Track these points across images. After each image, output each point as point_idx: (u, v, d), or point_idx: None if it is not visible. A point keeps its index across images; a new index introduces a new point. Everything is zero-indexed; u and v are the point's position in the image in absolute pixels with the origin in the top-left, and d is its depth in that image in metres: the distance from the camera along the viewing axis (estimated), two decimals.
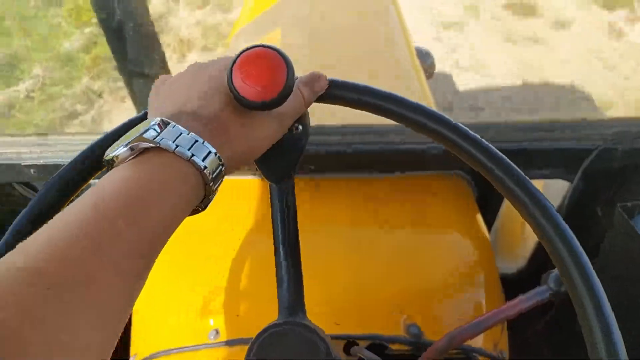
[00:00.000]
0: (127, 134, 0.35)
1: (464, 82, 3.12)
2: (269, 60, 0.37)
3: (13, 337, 0.22)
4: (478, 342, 0.69)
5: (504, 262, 1.06)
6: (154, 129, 0.34)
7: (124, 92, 3.54)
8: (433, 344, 0.60)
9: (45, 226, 0.29)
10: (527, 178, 0.39)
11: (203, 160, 0.34)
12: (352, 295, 0.71)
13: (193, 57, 3.71)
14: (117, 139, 0.36)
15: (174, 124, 0.35)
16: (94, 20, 4.60)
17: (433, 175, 0.84)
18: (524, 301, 0.59)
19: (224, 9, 4.80)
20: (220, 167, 0.36)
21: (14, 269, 0.25)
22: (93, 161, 0.43)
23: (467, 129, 0.41)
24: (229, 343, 0.66)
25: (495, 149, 0.40)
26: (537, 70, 3.06)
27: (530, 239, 1.00)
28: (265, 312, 0.50)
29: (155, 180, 0.33)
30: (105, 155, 0.35)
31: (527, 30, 3.59)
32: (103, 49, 3.96)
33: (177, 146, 0.33)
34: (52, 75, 3.72)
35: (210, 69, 0.41)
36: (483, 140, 0.41)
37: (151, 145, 0.33)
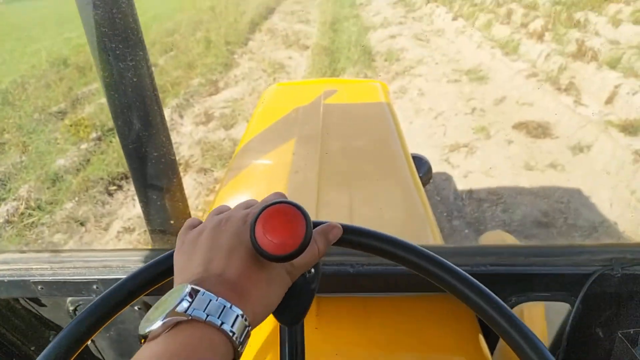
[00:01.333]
0: (161, 303, 0.37)
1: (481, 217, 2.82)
2: (289, 216, 0.39)
3: None
4: None
5: None
6: (187, 300, 0.36)
7: (108, 219, 3.27)
8: None
9: None
10: (507, 307, 0.45)
11: (232, 325, 0.36)
12: None
13: (188, 181, 3.49)
14: (144, 283, 0.48)
15: (204, 290, 0.37)
16: (92, 136, 4.50)
17: (435, 296, 0.82)
18: None
19: (227, 126, 4.72)
20: (247, 328, 0.38)
21: None
22: (119, 301, 0.47)
23: (465, 275, 0.46)
24: None
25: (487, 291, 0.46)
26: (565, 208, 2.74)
27: None
28: None
29: (187, 354, 0.34)
30: (140, 330, 0.37)
31: (544, 156, 3.37)
32: (94, 169, 3.78)
33: (207, 315, 0.36)
34: (38, 197, 3.49)
35: (232, 222, 0.43)
36: (484, 288, 0.46)
37: (184, 318, 0.35)
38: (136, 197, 3.39)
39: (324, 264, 0.73)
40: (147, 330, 0.36)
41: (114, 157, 3.92)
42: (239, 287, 0.39)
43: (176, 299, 0.36)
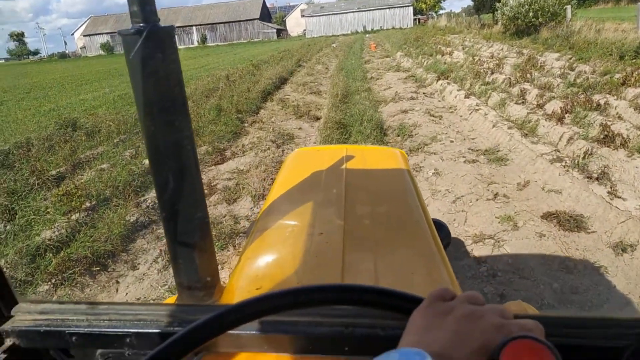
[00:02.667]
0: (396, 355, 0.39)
1: None
2: (541, 357, 0.37)
3: None
4: None
5: None
6: None
7: None
8: None
9: None
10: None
11: None
12: None
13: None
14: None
15: None
16: (85, 205, 4.20)
17: None
18: None
19: (230, 200, 4.42)
20: None
21: None
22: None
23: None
24: None
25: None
26: None
27: None
28: None
29: None
30: None
31: (582, 254, 2.98)
32: (79, 245, 3.43)
33: None
34: (12, 275, 3.12)
35: (484, 324, 0.43)
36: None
37: None
38: (119, 281, 2.94)
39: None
40: None
41: (104, 232, 3.59)
42: None
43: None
